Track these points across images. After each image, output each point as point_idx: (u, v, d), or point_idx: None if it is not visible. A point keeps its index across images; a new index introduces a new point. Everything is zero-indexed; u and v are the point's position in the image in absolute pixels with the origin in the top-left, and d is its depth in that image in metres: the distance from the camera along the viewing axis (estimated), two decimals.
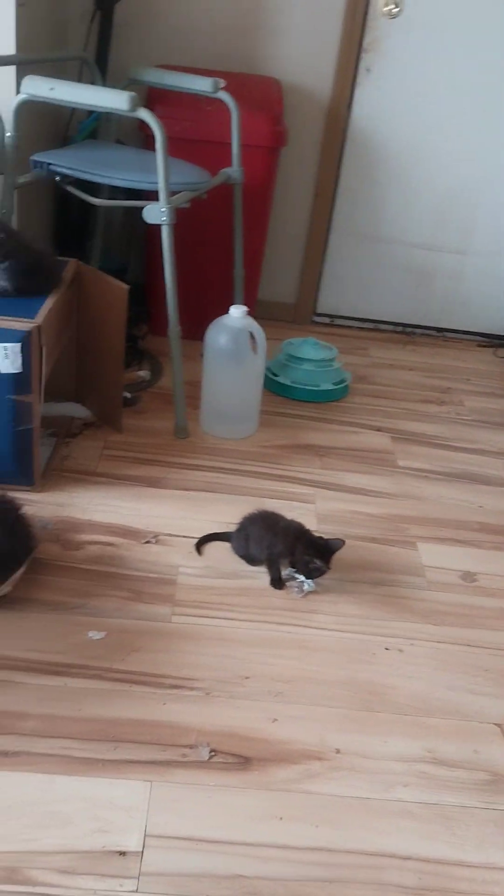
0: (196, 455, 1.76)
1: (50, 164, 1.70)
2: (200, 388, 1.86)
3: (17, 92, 1.60)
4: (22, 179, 1.70)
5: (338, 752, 1.10)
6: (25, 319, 1.41)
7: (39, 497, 1.55)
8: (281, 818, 1.00)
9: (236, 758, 1.07)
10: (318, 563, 1.35)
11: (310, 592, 1.38)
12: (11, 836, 0.94)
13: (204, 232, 2.12)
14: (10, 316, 1.41)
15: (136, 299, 1.83)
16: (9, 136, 1.65)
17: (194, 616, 1.30)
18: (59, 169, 1.70)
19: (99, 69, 2.03)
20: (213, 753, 1.07)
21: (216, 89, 1.87)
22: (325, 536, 1.39)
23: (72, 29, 2.18)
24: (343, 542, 1.37)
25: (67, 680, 1.16)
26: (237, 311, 1.75)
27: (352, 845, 0.98)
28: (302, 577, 1.39)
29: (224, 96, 1.88)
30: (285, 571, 1.40)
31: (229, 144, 1.96)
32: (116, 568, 1.39)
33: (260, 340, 1.76)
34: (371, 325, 2.62)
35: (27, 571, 1.33)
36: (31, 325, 1.40)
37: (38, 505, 1.52)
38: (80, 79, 2.08)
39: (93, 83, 1.97)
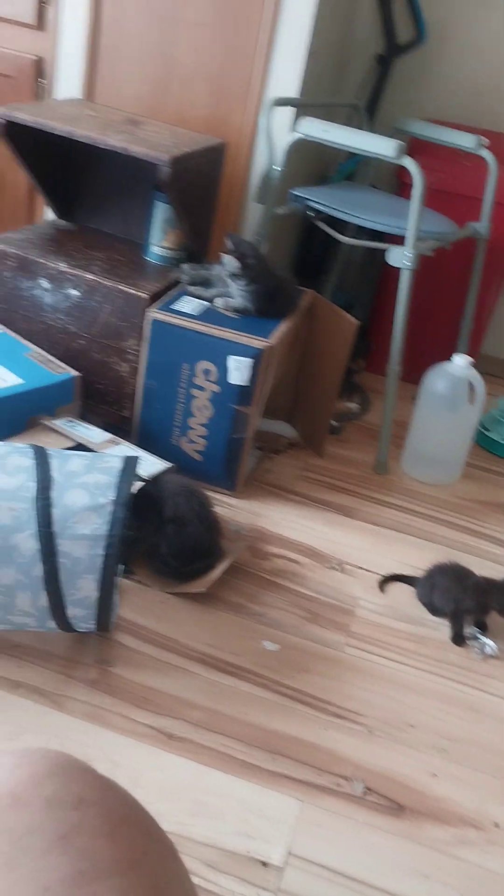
0: (392, 493, 1.76)
1: (308, 199, 1.79)
2: (407, 428, 1.86)
3: (293, 130, 1.71)
4: (280, 211, 1.81)
5: (496, 825, 1.05)
6: (260, 338, 1.49)
7: (238, 503, 1.61)
8: (427, 877, 0.97)
9: (390, 802, 1.05)
10: None
11: (491, 657, 1.33)
12: (167, 816, 0.98)
13: (438, 279, 2.13)
14: (247, 333, 1.49)
15: (358, 335, 1.88)
16: (276, 170, 1.76)
17: (367, 651, 1.30)
18: (315, 205, 1.79)
19: (368, 116, 2.12)
20: (367, 791, 1.06)
21: (479, 146, 1.89)
22: None
23: (347, 77, 2.29)
24: None
25: (238, 682, 1.19)
26: (461, 360, 1.74)
27: None
28: (485, 639, 1.34)
29: (485, 153, 1.90)
30: (468, 629, 1.36)
31: (480, 199, 1.97)
32: (298, 586, 1.42)
33: (479, 392, 1.74)
34: None
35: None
36: (265, 343, 1.48)
37: (236, 510, 1.59)
38: (348, 123, 2.18)
39: (359, 128, 2.05)
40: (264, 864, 0.95)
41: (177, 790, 1.01)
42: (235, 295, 1.57)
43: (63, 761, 0.42)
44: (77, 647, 1.20)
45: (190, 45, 1.79)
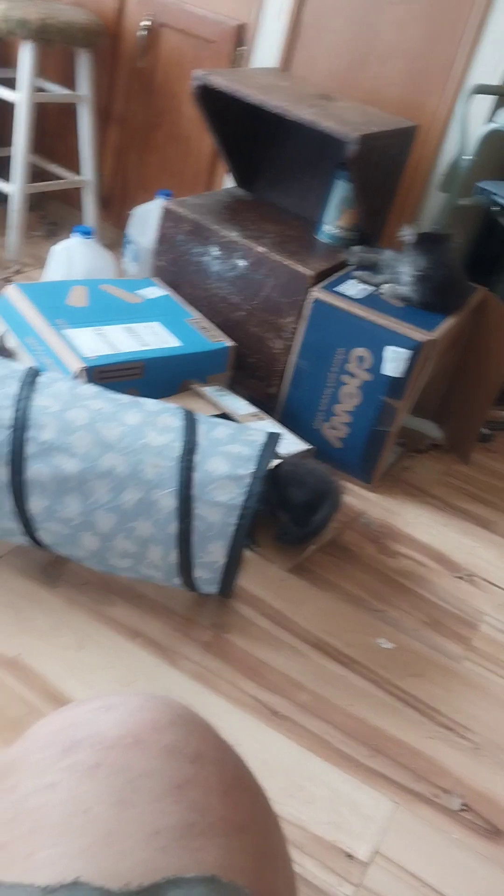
0: None
1: (495, 194, 1.72)
2: None
3: (490, 121, 1.64)
4: (463, 202, 1.75)
5: None
6: (423, 331, 1.45)
7: (372, 497, 1.59)
8: None
9: (487, 824, 1.02)
10: None
11: None
12: None
13: None
14: (410, 324, 1.46)
15: None
16: (466, 160, 1.70)
17: (486, 669, 1.26)
18: (502, 201, 1.71)
19: None
20: (464, 808, 1.03)
21: None
22: None
23: None
24: None
25: (348, 673, 1.19)
26: None
27: None
28: None
29: None
30: None
31: None
32: (422, 589, 1.39)
33: None
34: None
35: (339, 559, 1.39)
36: (427, 337, 1.44)
37: (368, 503, 1.57)
38: None
39: None
40: (350, 856, 0.94)
41: (274, 767, 1.02)
42: (405, 283, 1.53)
43: (186, 714, 0.43)
44: (195, 607, 1.23)
45: (393, 22, 1.74)
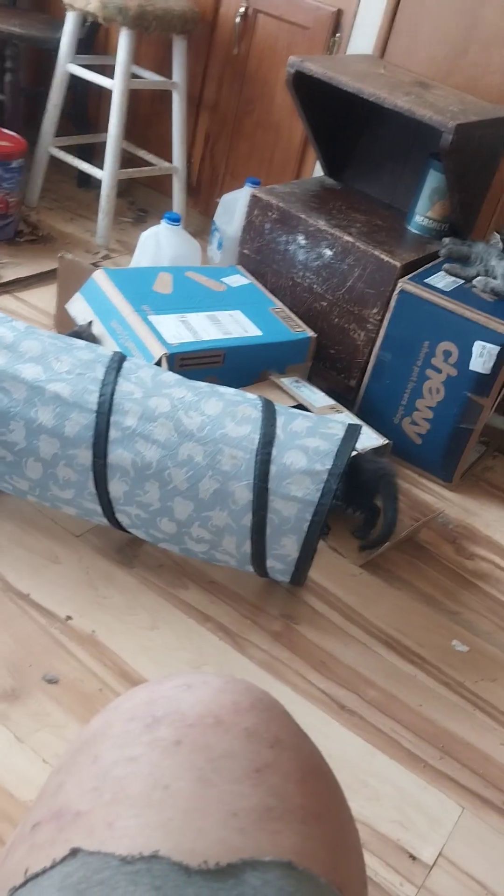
0: None
1: None
2: None
3: None
4: None
5: None
6: None
7: (451, 496, 1.56)
8: None
9: None
10: None
11: None
12: None
13: None
14: (500, 319, 1.42)
15: None
16: None
17: None
18: None
19: None
20: None
21: None
22: None
23: None
24: None
25: (419, 672, 1.17)
26: None
27: None
28: None
29: None
30: None
31: None
32: (500, 593, 1.35)
33: None
34: None
35: (414, 557, 1.37)
36: None
37: (448, 502, 1.54)
38: None
39: None
40: (413, 857, 0.93)
41: (339, 762, 1.02)
42: (499, 277, 1.49)
43: (266, 699, 0.43)
44: (266, 596, 1.23)
45: (498, 7, 1.69)
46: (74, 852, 0.34)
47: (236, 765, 0.38)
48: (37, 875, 0.34)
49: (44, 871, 0.34)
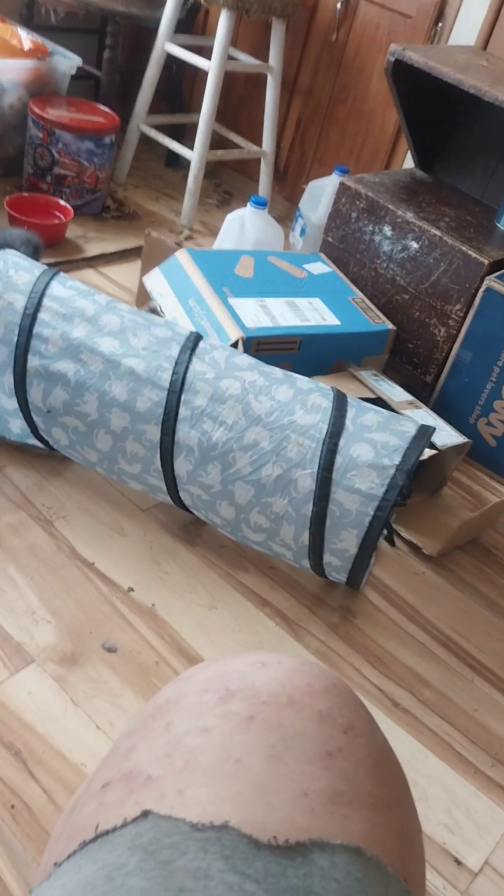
0: None
1: None
2: None
3: None
4: None
5: None
6: None
7: None
8: None
9: None
10: None
11: None
12: None
13: None
14: None
15: None
16: None
17: None
18: None
19: None
20: None
21: None
22: None
23: None
24: None
25: (476, 677, 1.15)
26: None
27: None
28: None
29: None
30: None
31: None
32: None
33: None
34: None
35: (480, 561, 1.34)
36: None
37: None
38: None
39: None
40: (458, 862, 0.92)
41: None
42: None
43: (340, 684, 0.43)
44: (325, 587, 1.22)
45: None
46: (146, 814, 0.35)
47: (308, 746, 0.38)
48: (108, 832, 0.35)
49: (114, 829, 0.35)
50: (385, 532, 1.23)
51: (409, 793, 0.43)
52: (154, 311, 1.47)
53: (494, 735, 1.07)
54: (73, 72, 2.03)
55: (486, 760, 1.04)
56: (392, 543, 1.31)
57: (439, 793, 0.98)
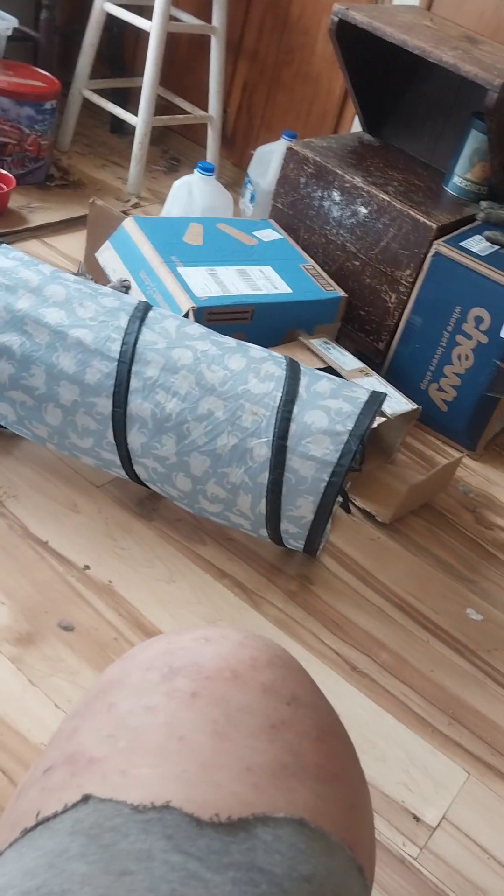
0: None
1: None
2: None
3: None
4: None
5: None
6: None
7: (473, 465, 1.55)
8: None
9: None
10: None
11: None
12: None
13: None
14: None
15: None
16: None
17: None
18: None
19: None
20: None
21: None
22: None
23: None
24: None
25: (431, 638, 1.17)
26: None
27: None
28: None
29: None
30: None
31: None
32: None
33: None
34: None
35: (433, 524, 1.36)
36: None
37: (469, 471, 1.53)
38: None
39: None
40: (417, 819, 0.94)
41: (349, 722, 1.01)
42: None
43: (284, 656, 0.43)
44: (283, 556, 1.23)
45: None
46: (86, 798, 0.35)
47: (253, 720, 0.38)
48: (48, 819, 0.35)
49: (55, 815, 0.35)
50: (340, 499, 1.24)
51: (357, 762, 0.43)
52: (126, 287, 1.44)
53: (450, 694, 1.10)
54: (9, 33, 1.96)
55: (443, 719, 1.06)
56: (347, 510, 1.32)
57: (398, 753, 1.00)
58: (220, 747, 0.36)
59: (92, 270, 1.66)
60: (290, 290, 1.51)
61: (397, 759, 1.00)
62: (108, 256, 1.53)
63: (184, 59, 2.29)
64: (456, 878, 0.89)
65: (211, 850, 0.32)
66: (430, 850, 0.91)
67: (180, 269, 1.44)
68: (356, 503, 1.35)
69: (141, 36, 2.12)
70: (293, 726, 0.38)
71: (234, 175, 2.33)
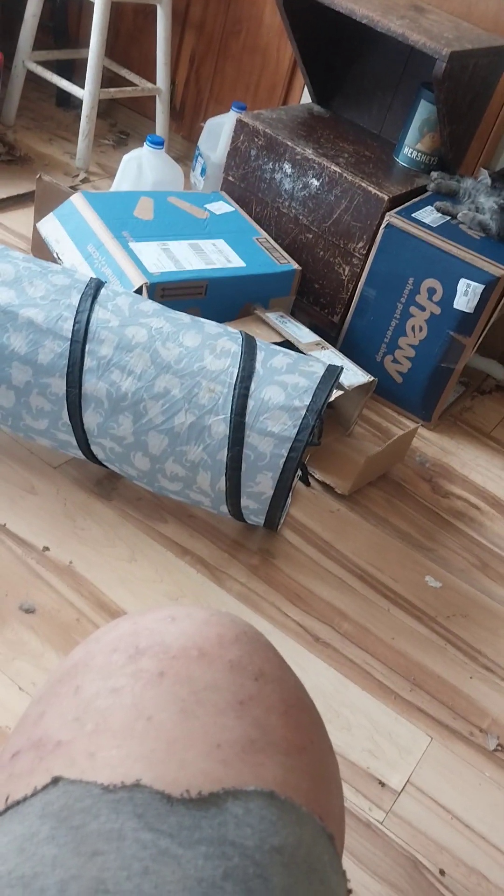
0: None
1: None
2: None
3: None
4: None
5: None
6: (500, 265, 1.39)
7: (429, 435, 1.56)
8: None
9: None
10: None
11: None
12: None
13: None
14: (487, 257, 1.40)
15: None
16: None
17: None
18: None
19: None
20: (500, 748, 1.04)
21: None
22: None
23: None
24: None
25: (391, 606, 1.19)
26: None
27: None
28: None
29: None
30: None
31: None
32: (474, 532, 1.37)
33: None
34: None
35: (391, 495, 1.38)
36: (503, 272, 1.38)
37: (425, 441, 1.54)
38: None
39: None
40: (382, 784, 0.96)
41: (313, 692, 1.03)
42: (486, 213, 1.47)
43: (250, 632, 0.43)
44: (244, 531, 1.23)
45: None
46: (56, 781, 0.34)
47: (220, 697, 0.38)
48: (18, 803, 0.35)
49: (24, 799, 0.35)
50: (300, 473, 1.25)
51: (324, 733, 0.44)
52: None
53: (412, 661, 1.12)
54: None
55: (405, 685, 1.08)
56: (307, 483, 1.33)
57: (362, 721, 1.02)
58: (188, 725, 0.36)
59: (36, 243, 1.62)
60: (243, 264, 1.50)
61: (362, 726, 1.01)
62: (50, 228, 1.49)
63: (129, 29, 2.24)
64: (421, 840, 0.92)
65: (182, 827, 0.32)
66: (396, 813, 0.94)
67: (132, 245, 1.42)
68: (315, 476, 1.35)
69: (85, 5, 2.06)
70: (261, 702, 0.39)
71: (183, 148, 2.30)
